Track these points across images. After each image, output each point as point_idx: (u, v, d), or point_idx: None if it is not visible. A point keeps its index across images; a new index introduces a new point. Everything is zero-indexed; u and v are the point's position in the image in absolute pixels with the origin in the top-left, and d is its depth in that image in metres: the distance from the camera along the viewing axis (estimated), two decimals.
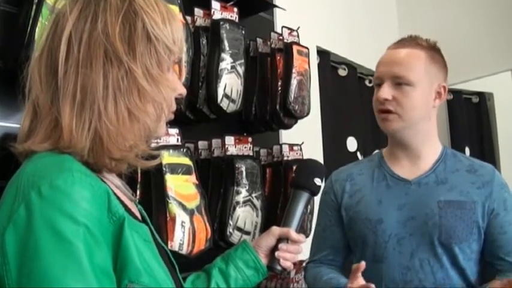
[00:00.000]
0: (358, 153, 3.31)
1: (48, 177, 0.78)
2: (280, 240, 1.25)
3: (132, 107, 0.89)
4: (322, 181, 1.34)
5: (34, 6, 1.42)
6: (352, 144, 3.30)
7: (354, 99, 3.31)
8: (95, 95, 0.86)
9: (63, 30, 0.89)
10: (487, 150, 3.69)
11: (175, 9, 1.71)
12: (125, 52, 0.89)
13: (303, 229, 2.16)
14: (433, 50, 1.59)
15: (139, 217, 1.00)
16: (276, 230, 1.26)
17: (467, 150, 3.64)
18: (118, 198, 0.89)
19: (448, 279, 1.49)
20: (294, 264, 1.28)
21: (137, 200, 1.08)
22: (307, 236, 2.09)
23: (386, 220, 1.56)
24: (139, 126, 0.91)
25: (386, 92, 1.53)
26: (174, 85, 0.99)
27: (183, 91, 1.03)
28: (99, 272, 0.77)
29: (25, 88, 0.93)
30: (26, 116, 0.92)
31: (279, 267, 1.24)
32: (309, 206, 2.20)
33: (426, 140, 1.60)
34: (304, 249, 1.73)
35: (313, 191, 1.33)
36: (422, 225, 1.52)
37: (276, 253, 1.23)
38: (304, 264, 2.06)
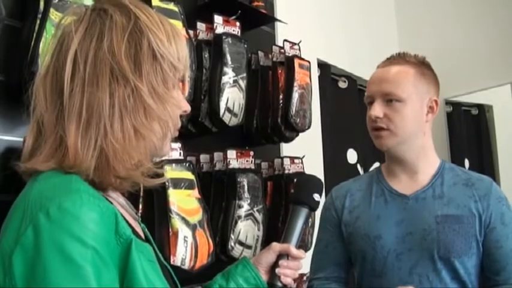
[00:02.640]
0: (358, 166, 3.31)
1: (56, 199, 0.77)
2: (280, 256, 1.25)
3: (138, 125, 0.89)
4: (320, 197, 1.34)
5: (38, 21, 1.43)
6: (352, 156, 3.30)
7: (354, 111, 3.31)
8: (101, 113, 0.86)
9: (68, 49, 0.89)
10: (486, 162, 3.69)
11: (178, 24, 1.72)
12: (131, 70, 0.89)
13: (304, 243, 2.16)
14: (422, 65, 1.60)
15: (143, 236, 1.00)
16: (276, 246, 1.25)
17: (466, 162, 3.64)
18: (124, 218, 0.89)
19: None
20: (294, 280, 1.28)
21: (140, 217, 1.07)
22: (308, 250, 2.09)
23: (385, 236, 1.56)
24: (145, 144, 0.91)
25: (377, 110, 1.54)
26: (179, 102, 0.99)
27: (188, 108, 1.02)
28: None
29: (29, 107, 0.93)
30: (30, 135, 0.92)
31: (279, 284, 1.23)
32: (310, 219, 2.20)
33: (422, 155, 1.60)
34: (304, 263, 1.73)
35: (313, 206, 1.33)
36: (421, 240, 1.52)
37: (277, 270, 1.23)
38: (305, 278, 2.05)
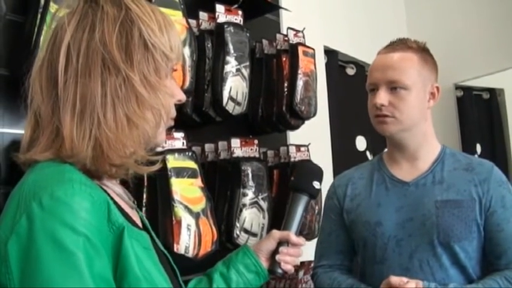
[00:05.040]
0: (368, 153, 3.30)
1: (49, 188, 0.80)
2: (280, 243, 1.26)
3: (130, 114, 0.90)
4: (321, 184, 1.34)
5: (39, 15, 1.45)
6: (361, 143, 3.29)
7: (363, 98, 3.27)
8: (94, 103, 0.88)
9: (61, 41, 0.91)
10: (498, 147, 3.66)
11: (178, 14, 1.73)
12: (122, 60, 0.90)
13: (311, 230, 2.17)
14: (423, 51, 1.60)
15: (140, 224, 1.01)
16: (276, 234, 1.27)
17: (478, 147, 3.61)
18: (118, 206, 0.91)
19: (448, 279, 1.49)
20: (294, 267, 1.29)
21: (143, 205, 1.09)
22: (314, 238, 2.10)
23: (385, 222, 1.57)
24: (139, 132, 0.92)
25: (382, 97, 1.53)
26: (172, 91, 1.00)
27: (182, 97, 1.04)
28: (99, 280, 0.78)
29: (27, 99, 0.95)
30: (28, 126, 0.94)
31: (280, 271, 1.25)
32: (317, 207, 2.21)
33: (423, 141, 1.61)
34: (309, 250, 1.75)
35: (312, 194, 1.33)
36: (421, 226, 1.52)
37: (277, 257, 1.24)
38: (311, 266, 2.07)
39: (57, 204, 0.78)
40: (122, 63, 0.90)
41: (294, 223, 1.29)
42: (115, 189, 0.98)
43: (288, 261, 1.24)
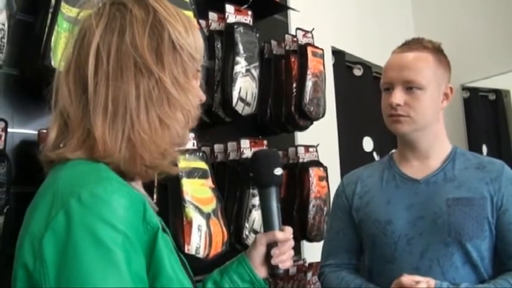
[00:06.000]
0: (375, 153, 3.29)
1: (87, 185, 0.80)
2: (269, 245, 1.20)
3: (162, 115, 0.91)
4: (281, 168, 1.25)
5: (50, 16, 1.44)
6: (368, 144, 3.29)
7: (370, 98, 3.28)
8: (127, 105, 0.88)
9: (90, 44, 0.91)
10: (504, 148, 3.66)
11: (189, 14, 1.73)
12: (154, 63, 0.91)
13: (319, 231, 2.16)
14: (438, 52, 1.59)
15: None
16: (262, 238, 1.21)
17: (484, 148, 3.61)
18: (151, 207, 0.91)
19: (459, 279, 1.47)
20: (293, 259, 1.24)
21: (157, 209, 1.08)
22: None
23: (396, 221, 1.56)
24: (170, 133, 0.93)
25: (398, 97, 1.53)
26: (198, 92, 1.01)
27: (204, 97, 1.05)
28: (136, 279, 0.79)
29: (50, 101, 0.95)
30: (54, 127, 0.94)
31: (281, 271, 1.21)
32: (325, 208, 2.20)
33: (435, 141, 1.60)
34: (317, 252, 1.73)
35: (277, 182, 1.25)
36: (432, 224, 1.51)
37: (272, 261, 1.19)
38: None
39: (97, 201, 0.78)
40: (154, 66, 0.91)
41: (274, 220, 1.22)
42: (141, 191, 0.99)
43: (283, 259, 1.20)
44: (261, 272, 1.20)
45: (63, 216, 0.77)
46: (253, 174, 1.28)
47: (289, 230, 1.23)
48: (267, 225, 1.22)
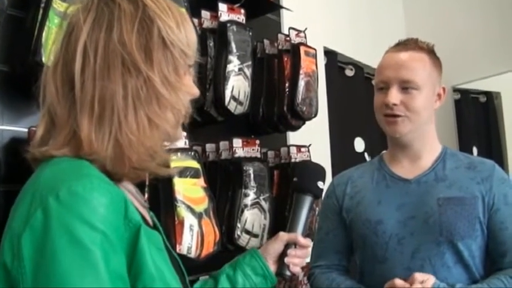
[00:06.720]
0: (366, 154, 3.30)
1: (66, 182, 0.77)
2: (287, 245, 1.24)
3: (151, 114, 0.89)
4: (324, 184, 1.34)
5: (41, 11, 1.42)
6: (359, 144, 3.29)
7: (361, 99, 3.29)
8: (114, 105, 0.86)
9: (77, 41, 0.88)
10: (495, 150, 3.68)
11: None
12: (142, 61, 0.88)
13: (311, 231, 2.15)
14: (432, 53, 1.59)
15: (151, 224, 1.00)
16: (284, 236, 1.25)
17: (475, 150, 3.62)
18: (133, 204, 0.89)
19: (450, 278, 1.47)
20: (302, 268, 1.28)
21: (148, 205, 1.07)
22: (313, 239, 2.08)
23: (386, 220, 1.55)
24: (159, 133, 0.91)
25: (394, 96, 1.52)
26: (190, 89, 0.98)
27: (197, 92, 1.02)
28: (115, 278, 0.77)
29: (38, 98, 0.92)
30: (41, 125, 0.92)
31: (288, 273, 1.23)
32: (317, 208, 2.19)
33: (427, 141, 1.60)
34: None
35: (317, 194, 1.32)
36: (423, 224, 1.51)
37: (286, 259, 1.22)
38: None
39: (75, 199, 0.76)
40: (143, 64, 0.88)
41: (300, 224, 1.28)
42: (128, 187, 0.97)
43: (296, 263, 1.23)
44: (271, 268, 1.23)
45: (41, 214, 0.75)
46: (298, 179, 1.36)
47: (310, 240, 1.28)
48: (293, 227, 1.28)
